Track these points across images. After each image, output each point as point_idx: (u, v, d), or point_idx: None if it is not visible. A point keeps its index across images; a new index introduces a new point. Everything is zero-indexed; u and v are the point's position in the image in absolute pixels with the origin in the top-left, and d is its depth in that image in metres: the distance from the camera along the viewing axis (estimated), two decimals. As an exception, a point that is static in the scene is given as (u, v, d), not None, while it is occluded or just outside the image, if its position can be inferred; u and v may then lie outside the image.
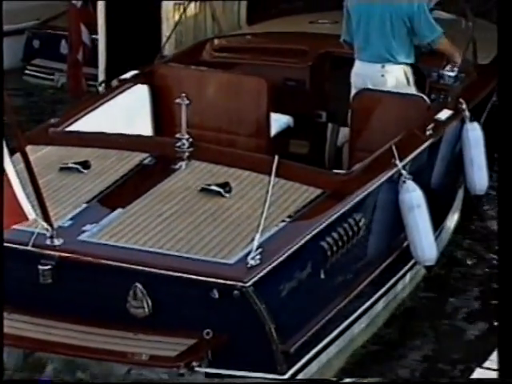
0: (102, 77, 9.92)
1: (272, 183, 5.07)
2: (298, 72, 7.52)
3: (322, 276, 4.95)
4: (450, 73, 6.83)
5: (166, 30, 9.84)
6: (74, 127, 6.16)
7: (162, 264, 4.49)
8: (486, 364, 4.57)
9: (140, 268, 4.47)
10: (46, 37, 11.00)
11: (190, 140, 5.56)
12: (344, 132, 7.02)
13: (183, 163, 5.48)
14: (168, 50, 8.44)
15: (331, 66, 7.44)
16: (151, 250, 4.58)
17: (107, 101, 6.61)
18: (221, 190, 5.10)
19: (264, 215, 4.76)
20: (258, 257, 4.50)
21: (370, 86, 6.67)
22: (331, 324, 5.07)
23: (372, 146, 5.96)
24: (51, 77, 10.84)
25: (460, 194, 7.08)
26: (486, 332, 5.86)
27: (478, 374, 4.51)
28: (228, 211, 4.98)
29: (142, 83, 6.89)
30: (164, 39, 9.59)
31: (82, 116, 6.33)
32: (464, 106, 6.41)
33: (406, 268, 5.93)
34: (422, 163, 6.01)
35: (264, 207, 4.82)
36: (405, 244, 5.73)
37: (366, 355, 5.54)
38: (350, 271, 5.31)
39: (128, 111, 6.70)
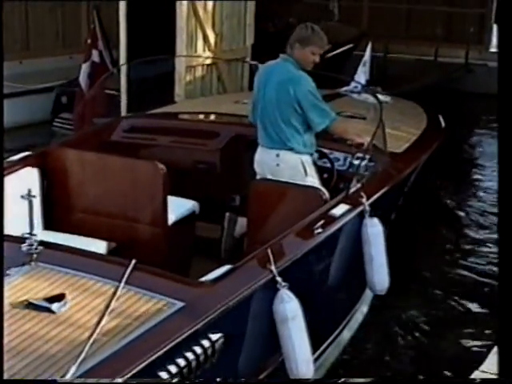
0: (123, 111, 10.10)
1: (118, 294, 3.81)
2: (208, 155, 6.35)
3: None
4: (358, 161, 5.55)
5: (178, 89, 10.15)
6: None
7: None
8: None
9: None
10: (73, 94, 11.12)
11: (38, 240, 4.27)
12: (242, 222, 5.73)
13: (23, 268, 4.19)
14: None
15: (244, 148, 6.22)
16: None
17: None
18: (50, 306, 3.82)
19: (91, 339, 3.50)
20: None
21: (268, 175, 5.45)
22: None
23: (268, 240, 4.67)
24: None
25: (367, 294, 5.77)
26: None
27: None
28: (51, 333, 3.70)
29: (32, 166, 5.64)
30: (176, 98, 9.95)
31: None
32: (364, 200, 5.13)
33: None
34: (309, 265, 4.72)
35: (95, 329, 3.55)
36: (280, 358, 4.40)
37: None
38: (202, 399, 3.98)
39: (12, 196, 5.41)
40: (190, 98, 10.14)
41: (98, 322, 3.66)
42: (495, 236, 8.09)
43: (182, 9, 10.24)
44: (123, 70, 10.64)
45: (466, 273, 7.44)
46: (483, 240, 8.23)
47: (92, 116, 10.07)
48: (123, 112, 10.34)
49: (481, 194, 9.88)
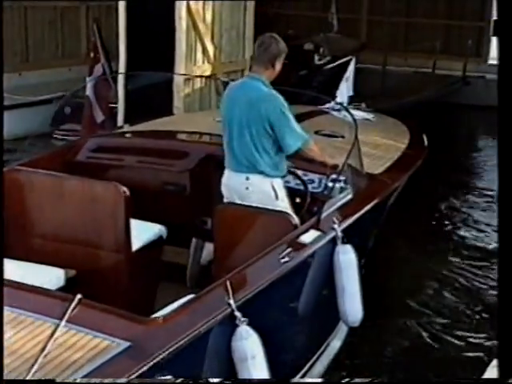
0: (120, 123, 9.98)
1: (57, 334, 3.39)
2: (177, 176, 5.91)
3: None
4: (332, 183, 5.09)
5: (177, 102, 9.87)
6: None
7: None
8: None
9: None
10: (77, 104, 10.84)
11: None
12: (210, 248, 5.28)
13: None
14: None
15: (215, 169, 5.75)
16: None
17: None
18: None
19: None
20: None
21: (236, 199, 5.03)
22: None
23: (236, 267, 4.25)
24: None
25: (342, 327, 5.32)
26: None
27: None
28: None
29: None
30: (175, 110, 9.70)
31: None
32: (336, 226, 4.68)
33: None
34: (275, 296, 4.28)
35: (27, 375, 3.22)
36: (240, 400, 3.96)
37: None
38: None
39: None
40: (188, 110, 9.89)
41: (31, 367, 3.24)
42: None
43: (182, 21, 10.07)
44: (120, 81, 10.44)
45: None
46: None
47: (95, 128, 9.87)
48: (120, 123, 10.13)
49: (480, 203, 9.56)
